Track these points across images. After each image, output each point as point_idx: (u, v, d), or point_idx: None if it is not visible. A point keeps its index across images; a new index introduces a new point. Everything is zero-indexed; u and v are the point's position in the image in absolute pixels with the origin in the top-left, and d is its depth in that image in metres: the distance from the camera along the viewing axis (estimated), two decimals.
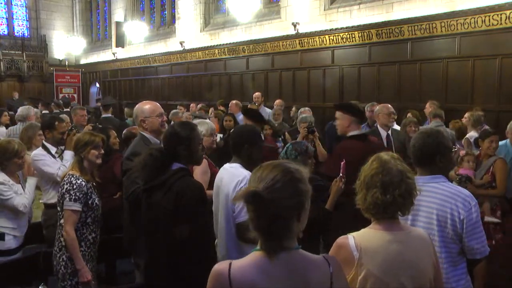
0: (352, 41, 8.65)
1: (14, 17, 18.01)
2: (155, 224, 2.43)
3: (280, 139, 6.02)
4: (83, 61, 18.51)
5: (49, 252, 3.16)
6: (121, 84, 16.19)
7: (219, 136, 5.23)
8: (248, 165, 2.83)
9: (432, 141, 2.30)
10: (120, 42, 15.11)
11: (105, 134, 3.94)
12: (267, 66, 10.57)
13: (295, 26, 9.55)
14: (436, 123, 5.52)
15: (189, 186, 2.39)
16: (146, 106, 3.30)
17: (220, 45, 11.58)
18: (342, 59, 8.98)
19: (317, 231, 2.82)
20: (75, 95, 17.21)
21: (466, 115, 5.65)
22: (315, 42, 9.32)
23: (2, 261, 3.25)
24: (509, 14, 6.49)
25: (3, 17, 17.77)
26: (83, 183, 2.98)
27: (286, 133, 6.05)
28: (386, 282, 1.70)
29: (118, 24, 15.12)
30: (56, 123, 4.05)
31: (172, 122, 5.27)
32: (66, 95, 16.35)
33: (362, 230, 1.81)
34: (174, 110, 8.00)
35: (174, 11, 13.47)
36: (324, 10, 9.20)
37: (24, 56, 17.00)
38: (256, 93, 8.80)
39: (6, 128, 6.47)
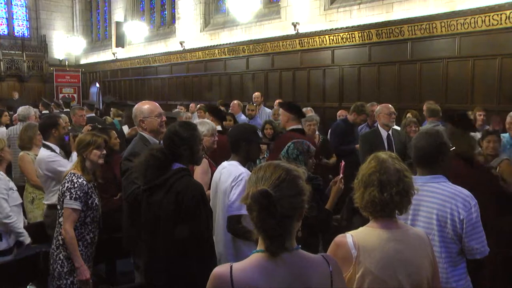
0: (352, 41, 8.65)
1: (14, 17, 18.00)
2: (155, 224, 2.43)
3: None
4: (83, 61, 18.51)
5: (49, 252, 3.16)
6: (121, 84, 16.19)
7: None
8: (246, 163, 2.88)
9: (434, 142, 2.30)
10: (120, 42, 15.12)
11: (105, 135, 3.95)
12: (267, 66, 10.57)
13: (295, 26, 9.56)
14: (433, 123, 5.50)
15: (189, 186, 2.39)
16: (145, 106, 3.28)
17: (220, 45, 11.58)
18: (342, 59, 8.98)
19: (318, 230, 2.82)
20: (75, 95, 17.20)
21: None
22: (315, 42, 9.32)
23: (2, 260, 3.27)
24: (509, 14, 6.49)
25: (3, 17, 17.77)
26: (84, 182, 2.99)
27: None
28: (384, 280, 1.70)
29: (118, 24, 15.12)
30: (59, 120, 4.12)
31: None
32: (66, 95, 16.36)
33: (360, 229, 1.82)
34: (176, 110, 8.03)
35: (174, 11, 13.48)
36: (324, 10, 9.20)
37: (24, 56, 16.99)
38: (256, 93, 8.80)
39: (7, 128, 6.47)
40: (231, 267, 1.41)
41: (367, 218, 1.84)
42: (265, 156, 4.89)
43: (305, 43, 9.50)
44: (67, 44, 17.91)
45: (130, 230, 3.16)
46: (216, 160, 3.45)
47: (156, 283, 2.46)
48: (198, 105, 9.23)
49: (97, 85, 17.65)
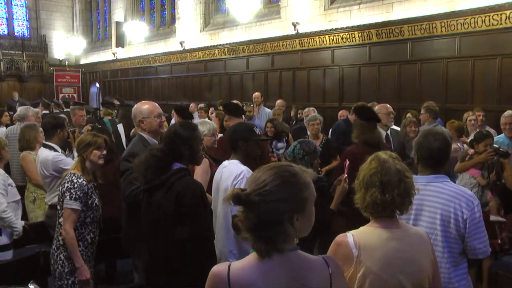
0: (352, 41, 8.65)
1: (14, 17, 18.00)
2: (155, 224, 2.43)
3: (284, 139, 6.06)
4: (83, 61, 18.51)
5: (49, 252, 3.16)
6: (121, 84, 16.19)
7: (219, 135, 5.25)
8: (246, 161, 2.91)
9: (441, 142, 2.29)
10: (120, 42, 15.11)
11: (106, 135, 3.96)
12: (267, 66, 10.57)
13: (295, 26, 9.56)
14: (433, 123, 5.49)
15: (189, 186, 2.39)
16: (144, 107, 3.26)
17: (220, 45, 11.58)
18: (342, 59, 8.98)
19: (322, 230, 2.81)
20: (75, 95, 17.20)
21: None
22: (315, 42, 9.32)
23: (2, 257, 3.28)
24: (509, 14, 6.49)
25: (3, 17, 17.76)
26: (84, 182, 2.98)
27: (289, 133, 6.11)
28: (385, 279, 1.70)
29: (118, 24, 15.11)
30: (65, 121, 4.20)
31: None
32: (66, 95, 16.36)
33: (361, 228, 1.82)
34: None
35: (174, 11, 13.48)
36: (324, 10, 9.20)
37: (24, 56, 16.99)
38: (256, 93, 8.80)
39: (6, 128, 6.47)
40: (229, 266, 1.41)
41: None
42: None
43: (305, 43, 9.50)
44: (67, 44, 17.91)
45: (129, 231, 3.16)
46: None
47: (156, 283, 2.46)
48: (200, 105, 9.25)
49: (97, 85, 17.65)
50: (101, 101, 11.44)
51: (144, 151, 2.65)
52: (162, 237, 2.39)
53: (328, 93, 9.27)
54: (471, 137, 4.50)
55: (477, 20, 6.83)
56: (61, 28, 18.49)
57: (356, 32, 8.51)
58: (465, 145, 4.76)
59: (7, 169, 4.81)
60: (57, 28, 18.44)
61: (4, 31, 17.70)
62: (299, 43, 9.64)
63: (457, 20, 7.06)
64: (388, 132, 4.93)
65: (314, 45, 9.35)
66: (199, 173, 3.18)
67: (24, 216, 4.30)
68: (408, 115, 6.23)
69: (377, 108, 5.18)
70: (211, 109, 9.16)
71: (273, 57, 10.38)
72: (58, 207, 3.02)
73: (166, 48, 13.65)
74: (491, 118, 6.40)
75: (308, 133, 5.56)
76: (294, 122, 7.87)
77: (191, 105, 9.91)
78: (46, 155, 3.88)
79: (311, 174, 1.48)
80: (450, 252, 2.17)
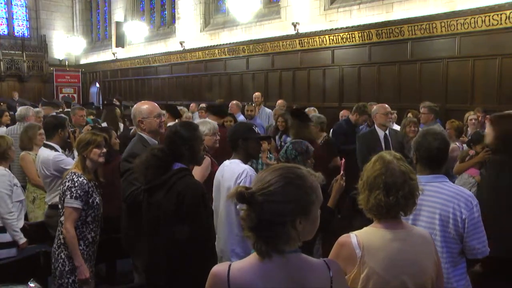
0: (352, 41, 8.65)
1: (14, 17, 18.00)
2: (155, 224, 2.43)
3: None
4: (83, 61, 18.51)
5: (49, 252, 3.16)
6: (121, 84, 16.19)
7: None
8: (247, 159, 2.94)
9: (440, 142, 2.30)
10: (120, 42, 15.11)
11: (106, 134, 3.96)
12: (267, 66, 10.57)
13: (295, 26, 9.56)
14: (432, 123, 5.46)
15: (190, 186, 2.39)
16: (144, 107, 3.26)
17: (220, 45, 11.58)
18: (342, 59, 8.98)
19: (320, 228, 2.81)
20: (75, 95, 17.20)
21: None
22: (315, 42, 9.32)
23: (2, 260, 3.27)
24: (509, 14, 6.49)
25: (3, 17, 17.76)
26: (85, 181, 2.98)
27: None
28: (388, 280, 1.70)
29: (118, 24, 15.12)
30: (66, 121, 4.21)
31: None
32: (66, 95, 16.35)
33: (364, 229, 1.81)
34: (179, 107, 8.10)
35: (174, 11, 13.48)
36: (324, 10, 9.20)
37: (24, 56, 16.99)
38: (256, 93, 8.80)
39: (7, 128, 6.47)
40: (229, 266, 1.41)
41: (367, 218, 1.84)
42: (270, 155, 4.88)
43: (305, 43, 9.50)
44: (67, 44, 17.91)
45: (129, 231, 3.16)
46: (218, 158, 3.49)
47: (156, 283, 2.46)
48: (200, 105, 9.24)
49: (97, 85, 17.65)
50: (101, 101, 11.47)
51: (144, 151, 2.65)
52: (162, 237, 2.39)
53: (328, 93, 9.27)
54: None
55: (477, 20, 6.83)
56: (61, 28, 18.49)
57: (356, 32, 8.51)
58: (464, 145, 4.77)
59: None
60: (57, 28, 18.45)
61: (4, 31, 17.70)
62: (299, 43, 9.64)
63: (457, 20, 7.06)
64: (387, 132, 4.93)
65: (314, 45, 9.35)
66: (198, 168, 3.17)
67: (24, 216, 4.31)
68: (409, 115, 6.22)
69: (375, 108, 5.18)
70: None
71: (273, 57, 10.38)
72: (60, 206, 3.02)
73: (166, 48, 13.65)
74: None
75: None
76: None
77: (191, 105, 9.90)
78: (47, 154, 3.88)
79: (319, 178, 1.46)
80: (449, 252, 2.17)
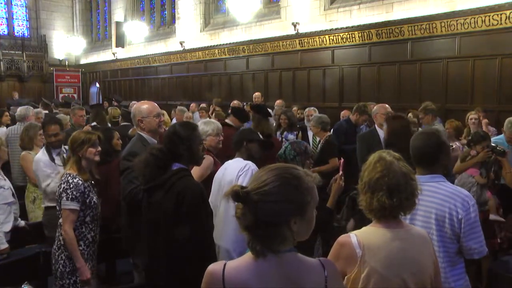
0: (352, 41, 8.65)
1: (14, 17, 17.99)
2: (155, 224, 2.43)
3: (295, 133, 6.12)
4: (83, 61, 18.51)
5: (49, 252, 3.16)
6: (121, 84, 16.20)
7: None
8: (249, 160, 3.00)
9: (435, 142, 2.30)
10: (120, 42, 15.11)
11: (108, 135, 3.96)
12: (267, 66, 10.57)
13: (295, 26, 9.56)
14: (433, 123, 5.45)
15: (189, 186, 2.39)
16: (143, 106, 3.27)
17: (220, 45, 11.58)
18: (342, 59, 8.99)
19: (319, 228, 2.82)
20: (75, 95, 17.20)
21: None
22: (315, 42, 9.32)
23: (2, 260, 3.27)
24: (509, 14, 6.49)
25: (3, 17, 17.75)
26: (80, 182, 2.96)
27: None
28: (389, 279, 1.70)
29: (118, 24, 15.12)
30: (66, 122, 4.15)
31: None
32: (66, 95, 16.35)
33: (364, 228, 1.81)
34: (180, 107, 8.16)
35: (174, 11, 13.48)
36: (324, 10, 9.20)
37: (24, 56, 16.98)
38: (256, 93, 8.80)
39: (7, 128, 6.47)
40: (224, 265, 1.41)
41: (367, 218, 1.84)
42: None
43: (305, 43, 9.50)
44: (67, 44, 17.91)
45: (128, 230, 3.16)
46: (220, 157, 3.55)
47: (156, 283, 2.46)
48: (200, 105, 9.24)
49: (97, 85, 17.65)
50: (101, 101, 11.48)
51: (143, 150, 2.66)
52: (162, 237, 2.39)
53: (328, 93, 9.27)
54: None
55: (477, 20, 6.83)
56: (61, 28, 18.49)
57: (356, 32, 8.51)
58: (462, 146, 4.77)
59: (7, 169, 4.81)
60: (57, 28, 18.44)
61: (4, 31, 17.69)
62: (299, 43, 9.64)
63: (457, 20, 7.06)
64: None
65: (314, 45, 9.35)
66: (197, 168, 3.17)
67: (24, 216, 4.31)
68: (409, 115, 6.22)
69: (375, 108, 5.17)
70: (212, 108, 9.14)
71: (273, 57, 10.38)
72: (57, 208, 3.02)
73: (166, 48, 13.65)
74: (491, 118, 6.40)
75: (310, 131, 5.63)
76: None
77: (191, 105, 9.90)
78: (39, 158, 3.86)
79: (316, 179, 1.46)
80: (446, 252, 2.17)
